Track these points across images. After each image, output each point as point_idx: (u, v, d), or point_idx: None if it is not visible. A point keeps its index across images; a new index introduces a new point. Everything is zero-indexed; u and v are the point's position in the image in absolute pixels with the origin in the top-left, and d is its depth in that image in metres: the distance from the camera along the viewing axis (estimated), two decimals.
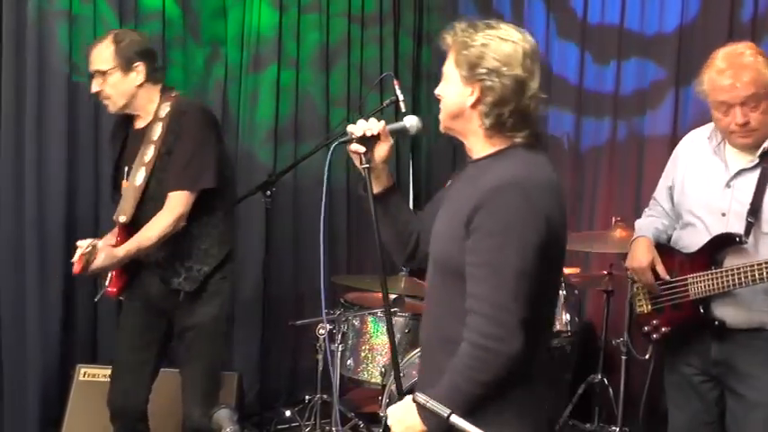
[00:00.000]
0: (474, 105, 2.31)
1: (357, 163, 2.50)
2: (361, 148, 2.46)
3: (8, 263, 4.41)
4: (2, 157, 4.40)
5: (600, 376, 4.57)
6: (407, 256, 2.63)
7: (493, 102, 2.28)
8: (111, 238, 3.60)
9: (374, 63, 5.59)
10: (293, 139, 5.37)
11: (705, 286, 3.15)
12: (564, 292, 4.24)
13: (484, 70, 2.27)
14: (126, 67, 3.58)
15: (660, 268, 3.29)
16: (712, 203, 3.18)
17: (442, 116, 2.40)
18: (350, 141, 2.47)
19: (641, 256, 3.33)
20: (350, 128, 2.48)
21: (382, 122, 2.50)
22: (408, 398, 2.24)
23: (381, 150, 2.50)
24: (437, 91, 2.40)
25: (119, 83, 3.59)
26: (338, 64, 5.51)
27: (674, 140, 4.69)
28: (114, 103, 3.63)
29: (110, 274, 3.60)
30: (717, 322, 3.14)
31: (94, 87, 3.61)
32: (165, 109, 3.61)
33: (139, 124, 3.68)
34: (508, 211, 2.20)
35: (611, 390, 4.56)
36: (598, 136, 5.04)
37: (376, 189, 2.52)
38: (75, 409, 4.28)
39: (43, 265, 4.40)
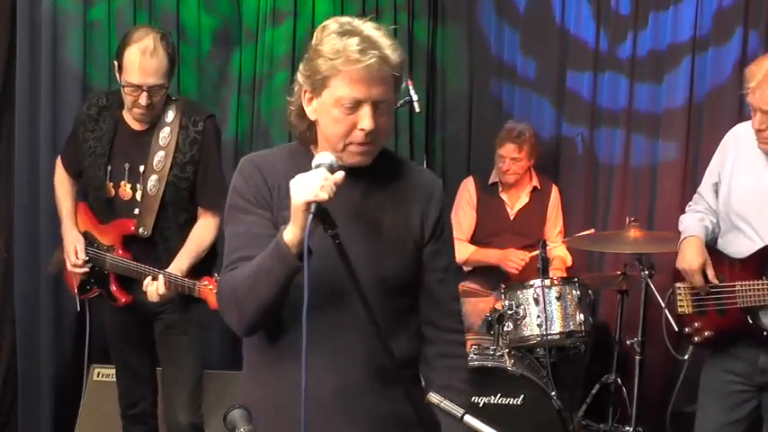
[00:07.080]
0: None
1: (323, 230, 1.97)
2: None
3: (23, 262, 4.43)
4: (18, 158, 4.43)
5: (614, 376, 4.55)
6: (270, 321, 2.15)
7: None
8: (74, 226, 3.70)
9: None
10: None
11: (754, 297, 3.07)
12: (578, 293, 4.21)
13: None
14: (172, 78, 3.51)
15: (711, 272, 3.20)
16: (763, 205, 3.11)
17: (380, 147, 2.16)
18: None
19: (692, 258, 3.22)
20: (319, 195, 1.94)
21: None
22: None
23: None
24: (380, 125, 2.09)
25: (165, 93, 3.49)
26: None
27: (687, 139, 4.72)
28: (153, 116, 3.49)
29: (112, 284, 3.62)
30: (766, 332, 3.08)
31: (147, 101, 3.36)
32: (171, 113, 3.50)
33: (138, 125, 3.53)
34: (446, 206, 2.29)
35: (624, 390, 4.54)
36: (613, 134, 5.01)
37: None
38: (89, 408, 4.29)
39: None
